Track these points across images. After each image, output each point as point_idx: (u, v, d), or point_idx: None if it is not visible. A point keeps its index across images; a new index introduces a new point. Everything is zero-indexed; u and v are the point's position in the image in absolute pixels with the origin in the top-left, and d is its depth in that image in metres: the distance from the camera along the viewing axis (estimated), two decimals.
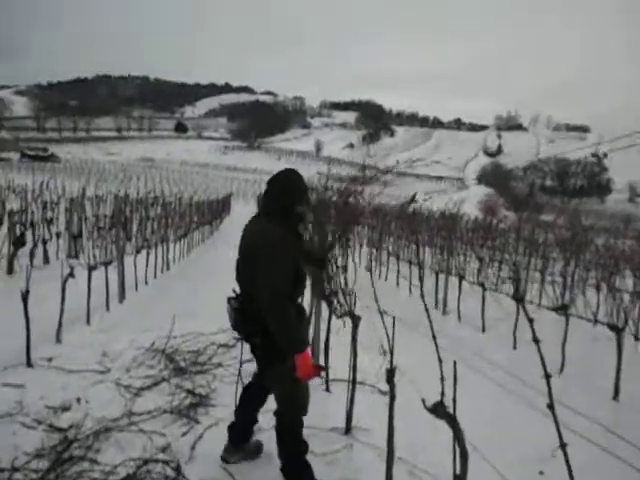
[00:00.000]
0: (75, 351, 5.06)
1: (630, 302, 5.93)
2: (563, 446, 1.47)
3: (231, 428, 3.15)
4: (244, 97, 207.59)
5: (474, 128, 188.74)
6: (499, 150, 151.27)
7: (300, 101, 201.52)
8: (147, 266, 9.08)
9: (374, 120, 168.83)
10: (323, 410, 3.87)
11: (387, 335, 2.52)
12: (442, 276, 8.82)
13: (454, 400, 1.79)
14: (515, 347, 6.44)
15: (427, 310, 1.97)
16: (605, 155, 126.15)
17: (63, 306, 5.29)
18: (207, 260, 12.91)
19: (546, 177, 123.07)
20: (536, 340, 1.69)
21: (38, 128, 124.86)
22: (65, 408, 3.76)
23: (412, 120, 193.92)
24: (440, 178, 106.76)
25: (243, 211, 36.93)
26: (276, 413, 2.97)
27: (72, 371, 4.48)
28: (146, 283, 8.92)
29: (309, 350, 2.77)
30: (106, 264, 6.74)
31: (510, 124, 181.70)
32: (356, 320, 3.46)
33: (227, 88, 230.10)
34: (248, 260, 2.83)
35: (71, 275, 5.44)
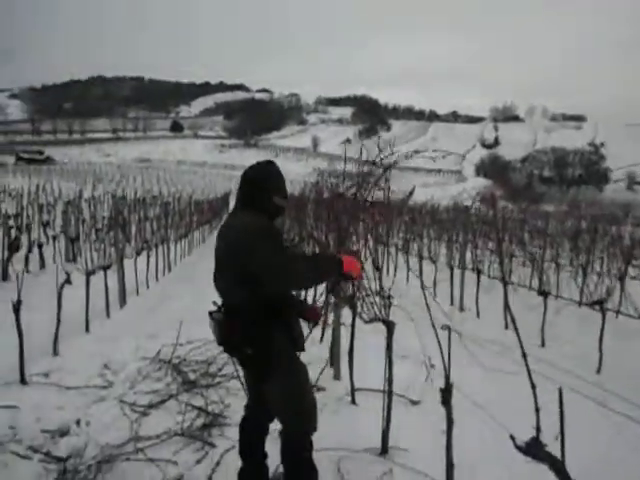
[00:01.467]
0: (74, 364, 4.66)
1: None
2: None
3: (241, 475, 2.69)
4: (239, 95, 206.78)
5: (470, 120, 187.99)
6: (496, 142, 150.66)
7: (296, 98, 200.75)
8: (148, 269, 8.68)
9: (370, 115, 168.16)
10: (352, 426, 3.48)
11: (440, 346, 2.12)
12: (457, 271, 8.43)
13: (562, 437, 1.38)
14: (544, 344, 6.05)
15: (519, 337, 1.56)
16: (602, 144, 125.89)
17: (60, 315, 4.90)
18: (210, 260, 12.41)
19: (544, 167, 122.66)
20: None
21: (33, 131, 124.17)
22: (63, 432, 3.36)
23: (408, 114, 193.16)
24: (438, 171, 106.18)
25: None
26: (281, 433, 2.56)
27: (70, 387, 4.09)
28: (148, 286, 8.52)
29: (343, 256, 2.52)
30: (105, 268, 6.33)
31: (506, 115, 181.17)
32: (391, 326, 3.06)
33: (222, 87, 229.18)
34: (232, 257, 2.46)
35: (67, 282, 5.03)
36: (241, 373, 4.32)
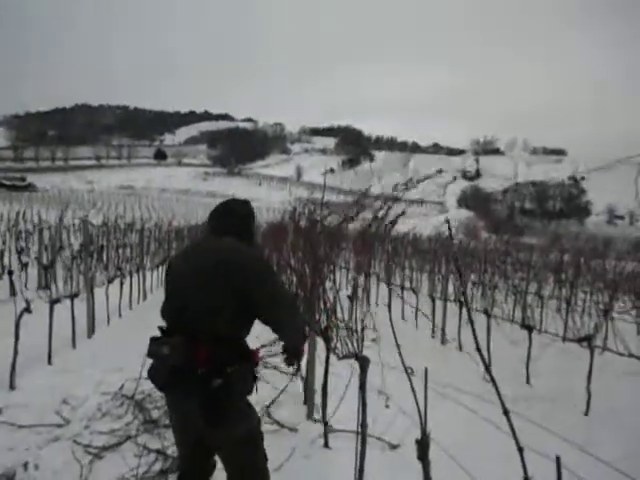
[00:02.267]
0: (31, 399, 4.35)
1: None
2: None
3: None
4: (224, 124, 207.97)
5: (452, 152, 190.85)
6: (477, 174, 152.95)
7: (280, 127, 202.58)
8: (121, 297, 8.37)
9: (354, 145, 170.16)
10: (324, 472, 3.23)
11: (413, 393, 1.91)
12: (439, 303, 8.27)
13: None
14: (528, 382, 5.86)
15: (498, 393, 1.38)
16: (582, 178, 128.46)
17: (17, 346, 4.59)
18: None
19: (525, 200, 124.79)
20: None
21: (15, 158, 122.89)
22: (9, 477, 3.06)
23: (391, 145, 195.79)
24: (421, 202, 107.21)
25: None
26: None
27: (23, 426, 3.78)
28: (120, 315, 8.20)
29: None
30: (72, 297, 6.04)
31: (487, 148, 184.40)
32: (365, 363, 2.85)
33: (206, 115, 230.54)
34: (223, 279, 2.20)
35: (27, 310, 4.74)
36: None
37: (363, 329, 2.85)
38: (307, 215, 4.99)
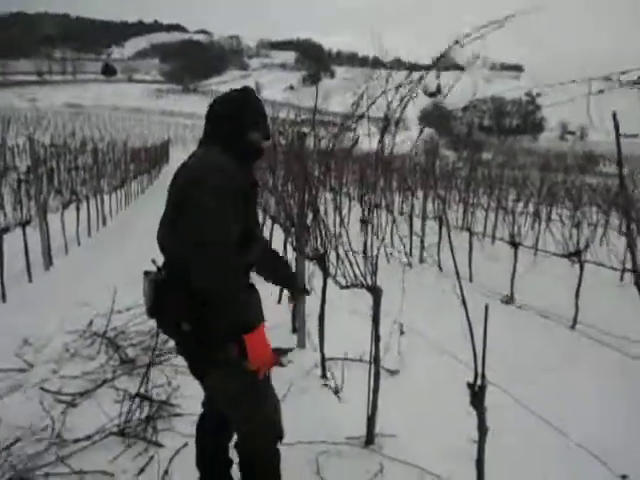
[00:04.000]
0: None
1: None
2: None
3: None
4: (176, 36, 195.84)
5: (413, 68, 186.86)
6: (438, 90, 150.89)
7: (236, 40, 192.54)
8: (78, 223, 7.71)
9: (314, 60, 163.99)
10: (327, 410, 2.95)
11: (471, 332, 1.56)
12: (417, 220, 8.00)
13: None
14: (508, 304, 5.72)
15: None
16: (538, 94, 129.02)
17: None
18: (151, 212, 11.37)
19: (484, 117, 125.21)
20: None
21: None
22: None
23: (352, 60, 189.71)
24: (394, 123, 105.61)
25: (183, 159, 34.43)
26: (236, 446, 1.98)
27: None
28: (79, 244, 7.59)
29: (262, 328, 1.73)
30: (23, 224, 5.42)
31: (448, 64, 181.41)
32: (378, 294, 2.48)
33: (157, 26, 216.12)
34: (176, 207, 1.82)
35: None
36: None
37: (377, 258, 2.45)
38: (292, 131, 4.49)
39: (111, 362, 3.48)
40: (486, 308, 1.65)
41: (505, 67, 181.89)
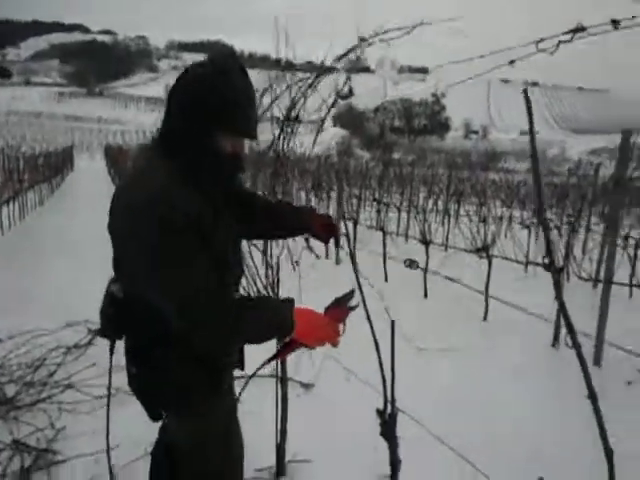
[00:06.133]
0: None
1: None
2: None
3: None
4: (78, 36, 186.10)
5: (326, 70, 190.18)
6: (350, 92, 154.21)
7: (144, 41, 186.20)
8: None
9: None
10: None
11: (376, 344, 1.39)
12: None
13: None
14: (426, 296, 5.76)
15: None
16: (443, 94, 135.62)
17: None
18: (49, 228, 10.47)
19: (394, 117, 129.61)
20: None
21: None
22: None
23: (264, 62, 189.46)
24: (299, 121, 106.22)
25: (90, 167, 32.58)
26: None
27: None
28: None
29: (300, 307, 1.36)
30: None
31: (358, 66, 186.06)
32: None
33: (57, 26, 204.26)
34: (123, 246, 1.36)
35: None
36: (85, 376, 3.33)
37: (278, 266, 2.25)
38: None
39: None
40: (392, 324, 1.48)
41: (412, 70, 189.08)
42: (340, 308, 1.41)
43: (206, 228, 1.30)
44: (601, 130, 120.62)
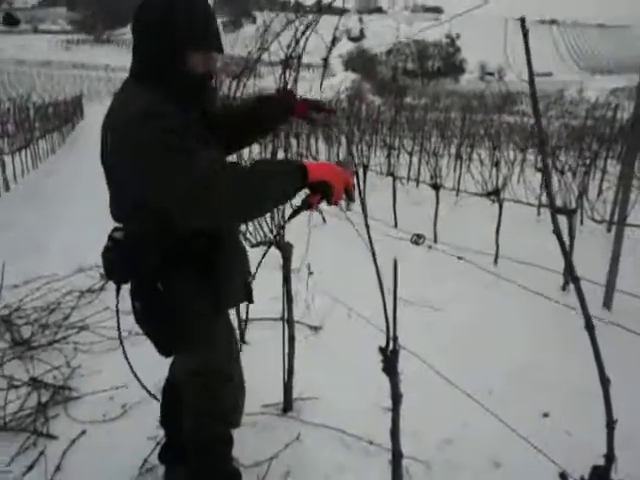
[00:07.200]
0: None
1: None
2: None
3: (165, 450, 1.93)
4: None
5: (335, 12, 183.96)
6: (362, 34, 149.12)
7: None
8: None
9: (234, 5, 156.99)
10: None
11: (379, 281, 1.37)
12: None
13: None
14: (436, 241, 5.71)
15: None
16: (458, 36, 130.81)
17: None
18: (62, 175, 10.51)
19: (407, 60, 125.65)
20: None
21: None
22: None
23: (272, 4, 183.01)
24: (308, 66, 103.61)
25: (99, 114, 32.03)
26: (185, 418, 1.75)
27: None
28: None
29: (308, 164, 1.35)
30: None
31: (370, 7, 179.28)
32: (287, 251, 2.26)
33: None
34: (112, 169, 1.44)
35: None
36: (98, 318, 3.40)
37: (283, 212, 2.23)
38: None
39: (1, 343, 3.10)
40: (395, 263, 1.45)
41: (426, 9, 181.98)
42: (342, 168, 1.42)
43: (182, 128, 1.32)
44: (622, 69, 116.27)
